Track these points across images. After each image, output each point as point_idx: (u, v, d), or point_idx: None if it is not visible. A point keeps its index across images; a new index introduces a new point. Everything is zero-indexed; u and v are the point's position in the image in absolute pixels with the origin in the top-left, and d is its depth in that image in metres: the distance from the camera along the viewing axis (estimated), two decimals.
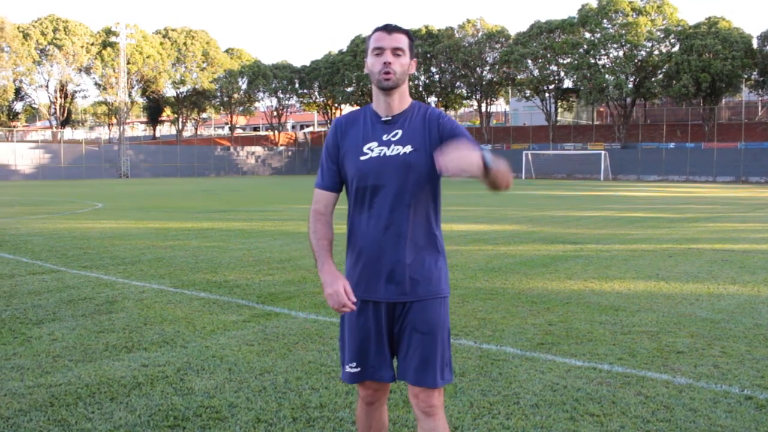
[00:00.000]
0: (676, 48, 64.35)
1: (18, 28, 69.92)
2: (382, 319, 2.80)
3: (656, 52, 66.19)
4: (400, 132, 2.74)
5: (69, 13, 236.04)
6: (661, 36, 65.61)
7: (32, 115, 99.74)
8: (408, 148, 2.71)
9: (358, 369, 2.84)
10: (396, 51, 2.70)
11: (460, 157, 2.34)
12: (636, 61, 66.30)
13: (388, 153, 2.72)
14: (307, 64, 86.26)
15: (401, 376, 2.83)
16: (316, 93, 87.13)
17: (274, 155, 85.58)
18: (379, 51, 2.70)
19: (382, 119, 2.78)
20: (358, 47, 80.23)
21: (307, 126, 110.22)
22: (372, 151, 2.73)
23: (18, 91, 76.41)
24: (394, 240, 2.73)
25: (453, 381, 2.88)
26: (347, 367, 2.87)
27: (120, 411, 4.14)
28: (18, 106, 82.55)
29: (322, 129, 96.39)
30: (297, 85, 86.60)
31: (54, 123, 78.76)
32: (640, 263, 10.13)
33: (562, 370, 4.93)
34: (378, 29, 2.73)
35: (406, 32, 2.76)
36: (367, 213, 2.77)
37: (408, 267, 2.75)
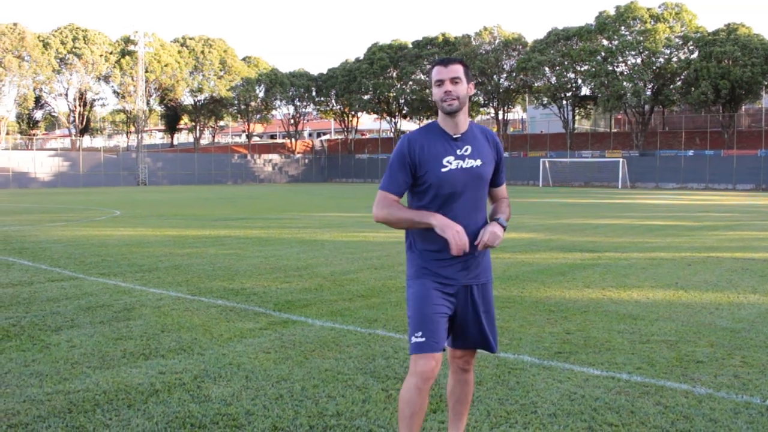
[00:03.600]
0: (695, 55, 63.90)
1: (38, 37, 70.75)
2: (452, 300, 3.25)
3: (675, 59, 65.78)
4: (469, 148, 3.22)
5: (88, 22, 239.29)
6: (680, 43, 65.21)
7: (52, 123, 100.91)
8: (479, 162, 3.22)
9: (424, 339, 3.15)
10: (454, 80, 3.13)
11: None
12: (654, 68, 65.95)
13: (464, 166, 3.18)
14: (324, 71, 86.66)
15: (461, 345, 3.38)
16: (332, 101, 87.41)
17: (290, 163, 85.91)
18: (440, 82, 3.14)
19: (453, 137, 3.21)
20: (374, 55, 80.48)
21: (324, 134, 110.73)
22: (450, 164, 3.16)
23: (38, 100, 77.38)
24: (470, 238, 3.17)
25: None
26: (414, 338, 3.17)
27: (137, 418, 4.15)
28: (38, 115, 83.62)
29: (339, 137, 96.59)
30: (314, 93, 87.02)
31: (73, 131, 79.57)
32: (659, 272, 10.05)
33: (580, 380, 4.89)
34: (436, 63, 3.19)
35: (461, 61, 3.20)
36: (446, 216, 3.17)
37: (478, 258, 3.29)
